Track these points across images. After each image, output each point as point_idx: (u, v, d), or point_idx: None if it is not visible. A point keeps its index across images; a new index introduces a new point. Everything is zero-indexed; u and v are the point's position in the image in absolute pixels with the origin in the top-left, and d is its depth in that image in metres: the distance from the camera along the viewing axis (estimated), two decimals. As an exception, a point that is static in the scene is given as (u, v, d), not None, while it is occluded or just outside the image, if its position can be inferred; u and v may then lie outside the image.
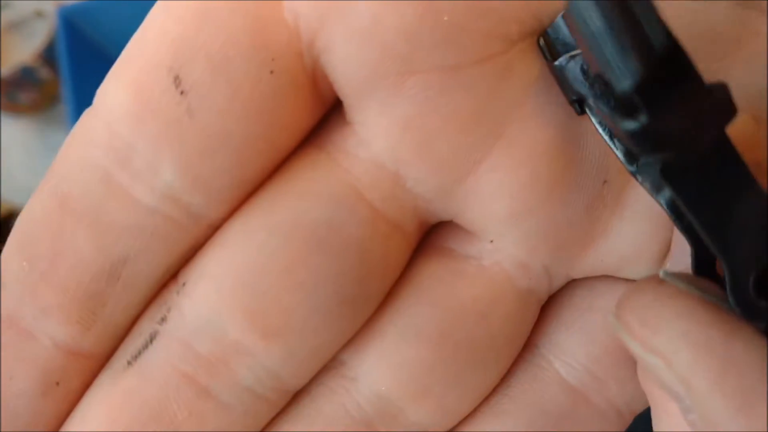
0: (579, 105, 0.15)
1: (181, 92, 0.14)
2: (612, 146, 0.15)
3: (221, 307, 0.15)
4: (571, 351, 0.17)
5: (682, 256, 0.15)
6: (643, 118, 0.12)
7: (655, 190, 0.14)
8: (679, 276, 0.14)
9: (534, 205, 0.15)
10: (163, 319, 0.16)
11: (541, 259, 0.16)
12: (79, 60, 0.62)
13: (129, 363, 0.16)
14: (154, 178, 0.14)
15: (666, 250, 0.16)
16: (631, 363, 0.17)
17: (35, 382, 0.15)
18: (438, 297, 0.16)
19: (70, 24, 0.63)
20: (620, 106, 0.12)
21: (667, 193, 0.14)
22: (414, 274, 0.16)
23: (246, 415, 0.16)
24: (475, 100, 0.14)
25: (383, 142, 0.15)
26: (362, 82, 0.14)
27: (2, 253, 0.15)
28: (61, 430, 0.16)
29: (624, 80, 0.12)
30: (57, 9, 0.63)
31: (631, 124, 0.12)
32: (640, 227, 0.16)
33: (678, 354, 0.13)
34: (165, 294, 0.16)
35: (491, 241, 0.16)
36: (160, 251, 0.15)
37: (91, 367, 0.16)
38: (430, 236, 0.17)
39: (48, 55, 0.67)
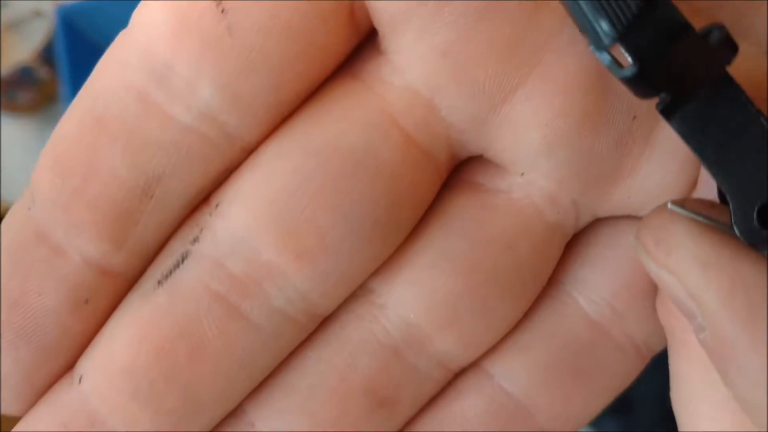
0: None
1: (222, 10, 0.14)
2: (624, 84, 0.15)
3: (255, 227, 0.15)
4: (594, 287, 0.17)
5: (709, 185, 0.16)
6: (633, 68, 0.13)
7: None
8: (688, 205, 0.15)
9: (567, 135, 0.16)
10: (196, 240, 0.16)
11: (570, 193, 0.16)
12: (78, 59, 0.62)
13: (159, 282, 0.16)
14: (192, 96, 0.15)
15: (692, 189, 0.17)
16: (651, 301, 0.17)
17: (64, 298, 0.15)
18: (467, 228, 0.16)
19: (69, 23, 0.63)
20: (613, 56, 0.13)
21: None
22: (443, 207, 0.17)
23: (275, 336, 0.16)
24: (513, 28, 0.15)
25: (419, 70, 0.15)
26: (399, 9, 0.15)
27: (35, 170, 0.15)
28: (89, 348, 0.16)
29: (600, 42, 0.13)
30: (56, 8, 0.63)
31: (624, 73, 0.13)
32: (667, 166, 0.16)
33: (690, 272, 0.14)
34: (197, 215, 0.16)
35: (522, 174, 0.16)
36: (194, 171, 0.15)
37: (121, 286, 0.16)
38: (460, 172, 0.17)
39: (47, 55, 0.67)
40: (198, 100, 0.15)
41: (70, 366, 0.16)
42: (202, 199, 0.16)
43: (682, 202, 0.15)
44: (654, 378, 0.63)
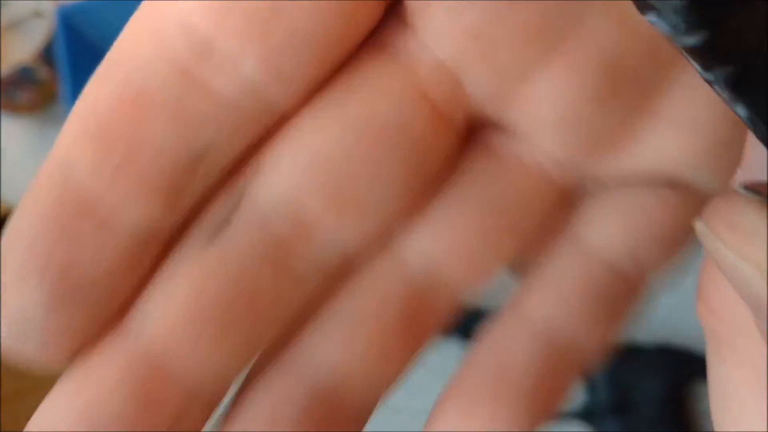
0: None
1: None
2: (686, 55, 0.14)
3: (298, 187, 0.16)
4: (603, 241, 0.18)
5: (756, 166, 0.16)
6: (703, 33, 0.12)
7: (732, 100, 0.14)
8: (756, 189, 0.14)
9: (580, 109, 0.16)
10: (239, 203, 0.16)
11: (577, 160, 0.17)
12: (78, 60, 0.62)
13: (206, 245, 0.16)
14: (235, 72, 0.15)
15: (697, 160, 0.17)
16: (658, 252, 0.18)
17: (113, 267, 0.15)
18: (481, 191, 0.17)
19: (69, 24, 0.63)
20: (680, 21, 0.12)
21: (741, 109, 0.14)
22: (460, 170, 0.17)
23: (317, 289, 0.17)
24: (542, 16, 0.15)
25: (447, 48, 0.16)
26: None
27: (65, 138, 0.15)
28: (138, 311, 0.16)
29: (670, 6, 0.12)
30: (56, 9, 0.63)
31: (690, 40, 0.12)
32: (673, 135, 0.17)
33: None
34: (240, 181, 0.16)
35: (532, 141, 0.17)
36: (238, 143, 0.16)
37: (167, 253, 0.16)
38: (475, 136, 0.18)
39: (47, 55, 0.67)
40: (241, 76, 0.15)
41: (120, 331, 0.16)
42: (246, 166, 0.16)
43: (754, 186, 0.14)
44: (654, 378, 0.63)
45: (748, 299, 0.14)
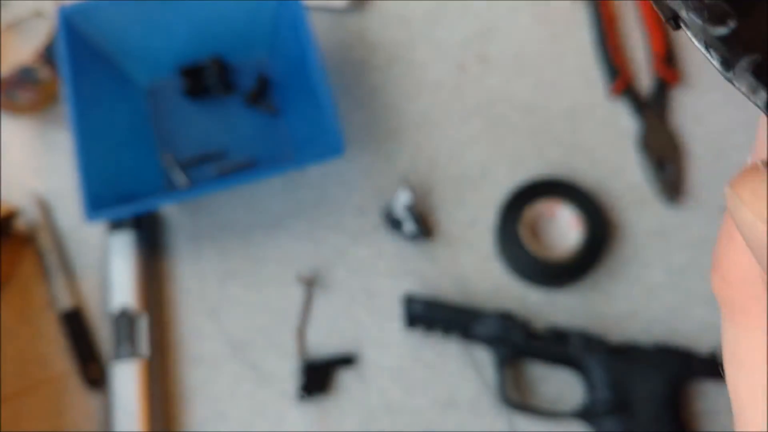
0: (675, 21, 0.16)
1: None
2: (708, 56, 0.16)
3: None
4: None
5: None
6: (732, 23, 0.14)
7: (752, 92, 0.15)
8: None
9: None
10: None
11: None
12: (79, 60, 0.62)
13: None
14: None
15: None
16: None
17: None
18: None
19: (70, 24, 0.63)
20: (712, 15, 0.14)
21: (763, 94, 0.15)
22: None
23: None
24: None
25: None
26: None
27: None
28: None
29: None
30: (57, 9, 0.63)
31: (721, 30, 0.14)
32: None
33: None
34: None
35: None
36: None
37: None
38: None
39: (47, 55, 0.67)
40: None
41: None
42: None
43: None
44: (654, 378, 0.63)
45: (759, 253, 0.15)
